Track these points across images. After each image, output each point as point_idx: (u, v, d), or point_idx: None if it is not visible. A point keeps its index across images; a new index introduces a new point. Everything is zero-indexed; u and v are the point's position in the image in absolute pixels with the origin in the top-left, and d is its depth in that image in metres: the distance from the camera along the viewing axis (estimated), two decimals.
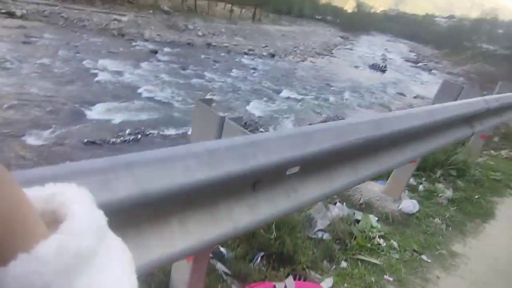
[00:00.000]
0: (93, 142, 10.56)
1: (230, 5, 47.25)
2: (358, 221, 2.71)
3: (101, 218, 0.25)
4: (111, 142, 10.97)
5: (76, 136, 10.84)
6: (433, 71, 46.06)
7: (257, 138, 0.85)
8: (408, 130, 1.46)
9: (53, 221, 0.22)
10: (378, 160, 1.40)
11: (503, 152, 5.07)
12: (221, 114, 1.07)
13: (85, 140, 10.53)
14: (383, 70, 37.70)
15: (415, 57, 62.66)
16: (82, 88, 14.69)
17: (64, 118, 11.76)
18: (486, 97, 2.47)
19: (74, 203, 0.23)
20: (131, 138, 11.33)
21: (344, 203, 2.83)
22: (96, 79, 16.25)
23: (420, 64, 52.23)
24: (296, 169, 1.05)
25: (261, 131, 12.54)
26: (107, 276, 0.23)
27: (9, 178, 0.20)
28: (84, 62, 18.17)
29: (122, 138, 11.28)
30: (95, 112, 12.67)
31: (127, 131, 11.67)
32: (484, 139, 4.23)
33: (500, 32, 60.16)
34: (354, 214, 2.78)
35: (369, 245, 2.40)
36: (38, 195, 0.23)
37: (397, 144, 1.49)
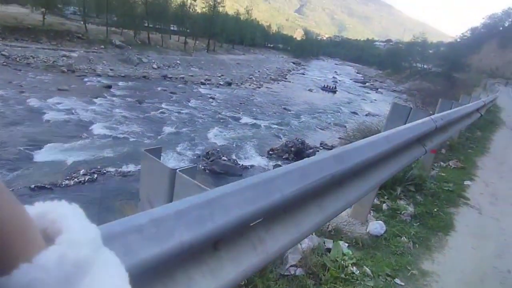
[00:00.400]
0: (42, 187, 9.68)
1: (184, 37, 47.96)
2: (329, 250, 2.65)
3: (96, 231, 0.26)
4: (63, 185, 10.12)
5: (22, 181, 9.86)
6: (379, 90, 49.89)
7: (213, 195, 0.75)
8: (369, 159, 1.45)
9: (45, 238, 0.23)
10: (344, 193, 1.36)
11: (451, 163, 5.42)
12: (172, 166, 0.96)
13: (33, 185, 9.63)
14: (333, 91, 40.48)
15: (362, 78, 67.76)
16: (28, 129, 13.62)
17: (8, 163, 10.72)
18: (433, 117, 2.62)
19: (69, 217, 0.25)
20: (86, 179, 10.59)
21: (314, 233, 2.76)
22: (45, 118, 15.21)
23: (367, 84, 56.45)
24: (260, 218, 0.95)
25: (224, 159, 12.43)
26: (104, 285, 0.25)
27: (7, 191, 0.20)
28: (30, 102, 17.01)
29: (75, 179, 10.49)
30: (45, 154, 11.73)
31: (82, 171, 10.91)
32: (434, 153, 4.50)
33: (430, 52, 67.36)
34: (324, 243, 2.71)
35: (343, 275, 2.33)
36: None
37: (360, 174, 1.47)
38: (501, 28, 60.38)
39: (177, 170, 0.94)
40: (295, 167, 1.01)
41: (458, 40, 66.06)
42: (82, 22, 37.69)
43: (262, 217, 0.90)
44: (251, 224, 0.98)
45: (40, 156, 11.71)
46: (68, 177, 10.59)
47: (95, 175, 10.90)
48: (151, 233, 0.61)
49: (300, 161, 1.06)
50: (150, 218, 0.62)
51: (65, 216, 0.25)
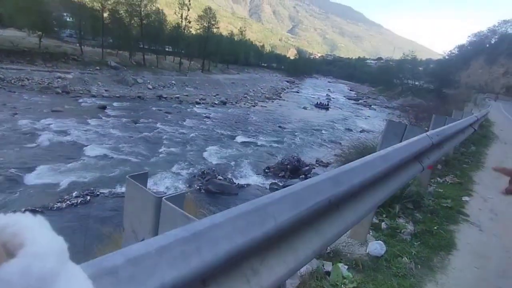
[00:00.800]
0: (32, 210, 9.44)
1: (178, 58, 48.67)
2: (328, 273, 2.54)
3: (62, 244, 0.25)
4: (55, 208, 9.90)
5: (14, 205, 9.62)
6: (373, 106, 50.57)
7: (200, 227, 0.68)
8: (367, 180, 1.39)
9: (5, 252, 0.22)
10: (342, 216, 1.29)
11: (447, 179, 5.39)
12: (157, 194, 0.89)
13: (23, 209, 9.40)
14: (326, 107, 41.27)
15: (355, 95, 68.87)
16: (21, 151, 13.43)
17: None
18: (428, 133, 2.59)
19: (34, 230, 0.24)
20: (78, 201, 10.39)
21: None
22: (38, 140, 15.06)
23: (360, 101, 57.30)
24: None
25: (220, 178, 12.28)
26: None
27: None
28: (23, 123, 16.88)
29: (68, 201, 10.29)
30: (38, 176, 11.53)
31: (74, 194, 10.73)
32: (430, 169, 4.47)
33: (420, 69, 68.91)
34: (323, 265, 2.61)
35: None
36: None
37: (358, 195, 1.41)
38: (487, 46, 62.26)
39: (163, 198, 0.88)
40: (290, 192, 0.95)
41: (447, 57, 67.90)
42: (78, 45, 38.16)
43: (255, 248, 0.83)
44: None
45: (33, 178, 11.52)
46: (60, 200, 10.40)
47: (88, 197, 10.73)
48: (127, 275, 0.54)
49: (295, 184, 1.00)
50: (127, 258, 0.55)
51: (30, 228, 0.23)
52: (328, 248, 2.82)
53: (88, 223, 8.74)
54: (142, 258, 0.57)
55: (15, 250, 0.22)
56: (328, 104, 43.24)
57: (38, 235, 0.23)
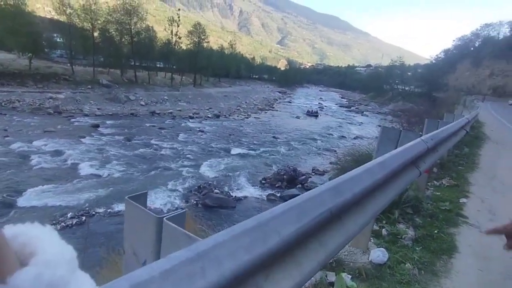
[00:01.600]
0: None
1: (170, 73, 48.90)
2: (332, 284, 2.50)
3: (72, 252, 0.26)
4: None
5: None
6: (365, 113, 51.14)
7: (204, 247, 0.66)
8: (366, 188, 1.39)
9: (18, 261, 0.23)
10: (344, 226, 1.28)
11: (444, 181, 5.42)
12: (157, 215, 0.87)
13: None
14: (315, 115, 42.25)
15: (347, 102, 69.70)
16: (12, 174, 13.21)
17: None
18: (423, 137, 2.61)
19: (44, 239, 0.25)
20: (74, 222, 10.20)
21: None
22: (31, 161, 14.85)
23: (352, 108, 57.97)
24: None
25: (216, 192, 12.18)
26: None
27: None
28: (15, 145, 16.67)
29: (63, 223, 10.11)
30: (30, 199, 11.34)
31: (69, 215, 10.54)
32: (427, 173, 4.49)
33: (409, 74, 70.24)
34: (326, 276, 2.57)
35: None
36: None
37: (359, 204, 1.40)
38: (472, 49, 63.92)
39: (164, 218, 0.86)
40: (292, 205, 0.94)
41: (434, 61, 69.39)
42: (68, 64, 38.17)
43: (260, 265, 0.81)
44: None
45: (26, 201, 11.32)
46: (54, 222, 10.19)
47: (83, 218, 10.54)
48: None
49: (297, 197, 0.99)
50: (130, 284, 0.53)
51: (40, 238, 0.24)
52: None
53: (85, 244, 8.54)
54: (146, 283, 0.55)
55: (27, 259, 0.23)
56: (317, 112, 44.32)
57: (49, 244, 0.24)
